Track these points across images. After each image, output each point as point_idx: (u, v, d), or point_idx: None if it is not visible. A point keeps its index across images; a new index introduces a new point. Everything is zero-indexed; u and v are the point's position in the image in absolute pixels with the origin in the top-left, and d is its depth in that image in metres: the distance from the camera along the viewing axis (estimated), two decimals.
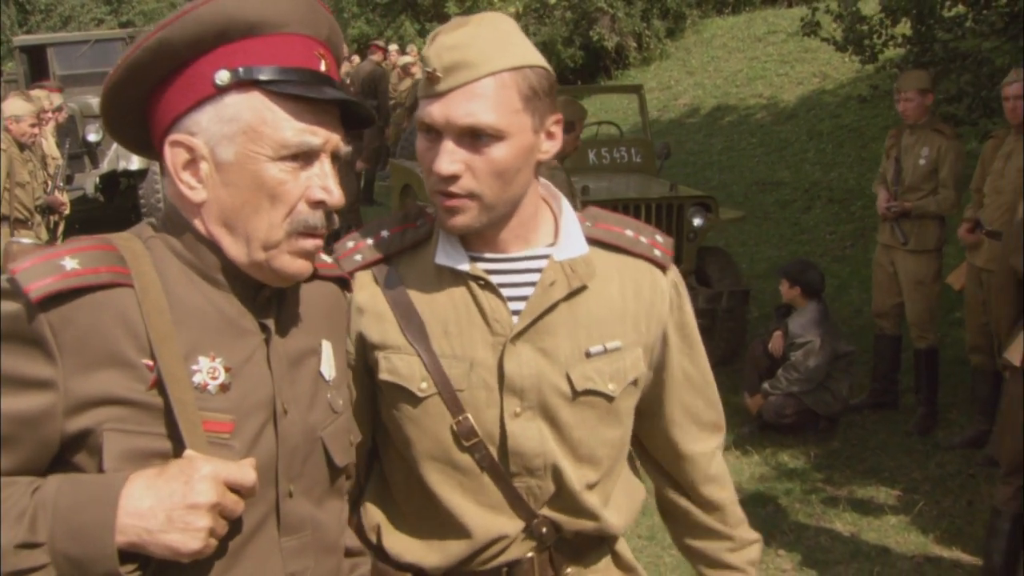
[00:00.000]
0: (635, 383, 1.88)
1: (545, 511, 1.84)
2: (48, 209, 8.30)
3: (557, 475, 1.81)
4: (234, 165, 1.47)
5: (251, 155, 1.47)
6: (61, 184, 9.00)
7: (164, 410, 1.42)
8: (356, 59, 18.74)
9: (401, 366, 1.79)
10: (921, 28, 7.26)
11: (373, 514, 1.93)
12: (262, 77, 1.46)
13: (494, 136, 1.66)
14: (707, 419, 2.04)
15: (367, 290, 1.84)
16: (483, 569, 1.85)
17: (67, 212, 9.02)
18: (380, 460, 1.95)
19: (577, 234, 1.84)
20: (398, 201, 9.54)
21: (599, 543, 1.95)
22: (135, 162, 12.26)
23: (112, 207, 13.43)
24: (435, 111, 1.66)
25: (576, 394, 1.80)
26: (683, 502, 2.08)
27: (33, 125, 7.69)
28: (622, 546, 2.01)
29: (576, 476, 1.83)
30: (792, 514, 5.17)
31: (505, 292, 1.79)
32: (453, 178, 1.68)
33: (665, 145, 8.47)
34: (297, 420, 1.58)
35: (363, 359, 1.85)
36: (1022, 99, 5.39)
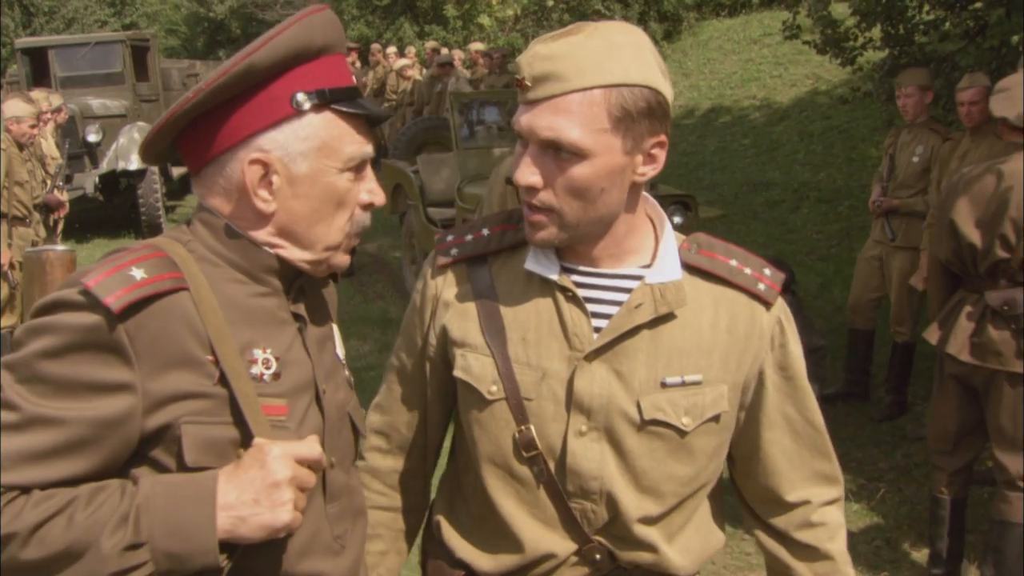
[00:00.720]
0: (716, 420, 1.79)
1: (599, 537, 1.81)
2: (47, 208, 8.49)
3: (613, 502, 1.77)
4: (307, 178, 1.60)
5: (324, 168, 1.60)
6: (60, 184, 9.20)
7: (229, 400, 1.53)
8: (357, 61, 18.94)
9: (475, 365, 1.80)
10: (891, 31, 7.43)
11: (439, 507, 1.97)
12: (334, 99, 1.60)
13: (576, 153, 1.63)
14: (813, 469, 1.91)
15: (457, 286, 1.86)
16: None
17: (67, 211, 9.22)
18: (455, 456, 1.98)
19: (673, 259, 1.78)
20: (390, 201, 9.71)
21: None
22: (134, 162, 12.44)
23: (111, 206, 13.63)
24: (522, 119, 1.66)
25: (644, 423, 1.75)
26: (780, 552, 1.95)
27: (33, 126, 7.87)
28: None
29: (634, 506, 1.78)
30: None
31: (591, 308, 1.76)
32: (532, 190, 1.68)
33: None
34: (331, 397, 1.72)
35: (443, 353, 1.88)
36: (977, 104, 5.57)
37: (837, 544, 1.93)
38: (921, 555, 4.63)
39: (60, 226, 9.11)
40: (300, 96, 1.57)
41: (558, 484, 1.77)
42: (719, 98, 16.49)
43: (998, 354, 4.02)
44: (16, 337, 1.50)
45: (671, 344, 1.75)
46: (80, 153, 12.25)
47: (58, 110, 10.46)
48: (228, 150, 1.58)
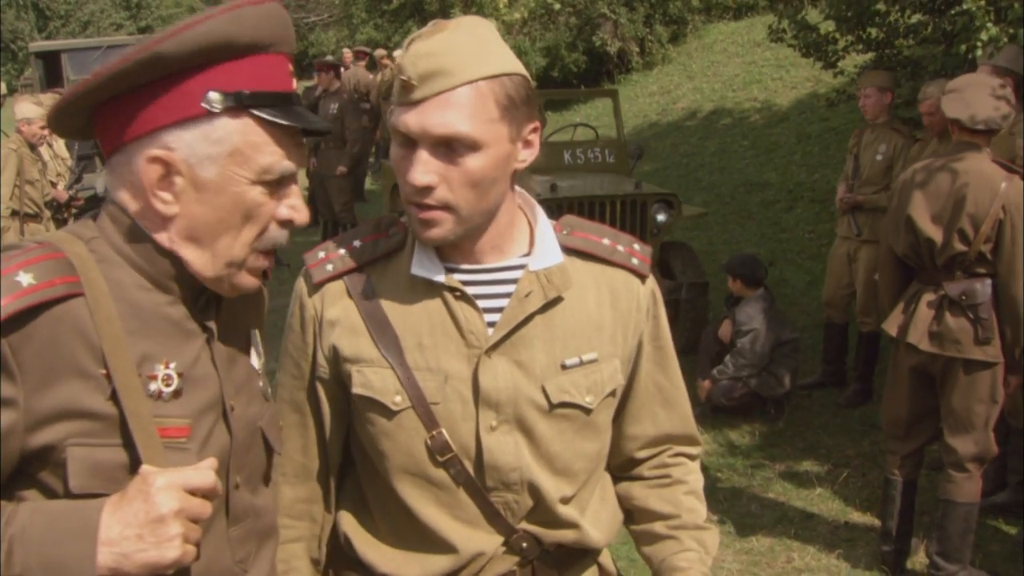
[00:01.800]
0: (613, 395, 1.85)
1: (524, 525, 1.81)
2: (58, 206, 8.81)
3: (534, 489, 1.78)
4: (213, 184, 1.47)
5: (234, 177, 1.48)
6: (69, 182, 9.53)
7: (120, 420, 1.42)
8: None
9: (375, 380, 1.76)
10: (863, 35, 7.67)
11: (347, 524, 1.90)
12: (254, 103, 1.47)
13: (470, 146, 1.62)
14: (677, 431, 2.00)
15: (339, 302, 1.80)
16: None
17: (81, 203, 9.56)
18: (354, 473, 1.93)
19: (552, 243, 1.80)
20: (388, 201, 9.99)
21: (582, 555, 1.92)
22: None
23: None
24: (410, 120, 1.62)
25: (552, 407, 1.76)
26: (633, 489, 2.02)
27: (43, 127, 8.18)
28: (606, 559, 2.00)
29: (553, 489, 1.80)
30: (729, 485, 5.60)
31: (480, 304, 1.75)
32: (427, 189, 1.64)
33: (638, 146, 8.88)
34: (241, 414, 1.61)
35: (336, 372, 1.82)
36: (936, 114, 5.79)
37: (693, 477, 2.00)
38: (877, 535, 4.86)
39: (70, 223, 9.42)
40: (213, 95, 1.44)
41: (476, 482, 1.77)
42: (721, 100, 16.70)
43: (956, 342, 4.24)
44: None
45: (564, 327, 1.78)
46: (91, 154, 12.54)
47: None
48: (133, 141, 1.46)
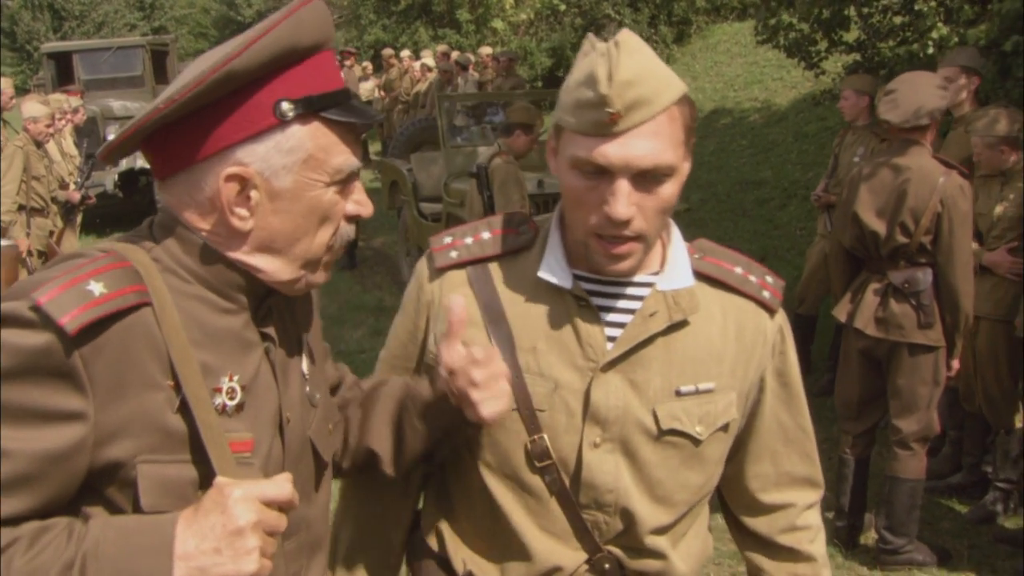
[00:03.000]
0: (725, 428, 1.78)
1: (610, 547, 1.77)
2: (68, 204, 9.11)
3: (627, 513, 1.74)
4: (289, 193, 1.45)
5: (309, 183, 1.46)
6: (80, 180, 9.84)
7: (188, 434, 1.39)
8: (369, 66, 19.49)
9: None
10: (835, 38, 7.90)
11: (431, 517, 1.89)
12: (322, 106, 1.45)
13: (667, 174, 1.59)
14: (798, 473, 1.92)
15: (459, 290, 1.77)
16: None
17: (93, 201, 9.88)
18: (442, 468, 1.89)
19: (684, 265, 1.75)
20: (387, 197, 10.25)
21: None
22: None
23: (131, 203, 14.20)
24: (611, 152, 1.55)
25: (661, 432, 1.71)
26: (760, 558, 1.96)
27: (48, 125, 8.49)
28: None
29: (648, 516, 1.75)
30: None
31: (605, 316, 1.72)
32: (626, 222, 1.59)
33: None
34: (295, 426, 1.58)
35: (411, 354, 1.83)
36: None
37: (818, 547, 1.95)
38: (833, 513, 5.09)
39: (79, 218, 9.72)
40: (285, 105, 1.41)
41: (571, 495, 1.73)
42: (722, 100, 16.88)
43: (900, 327, 4.50)
44: None
45: (684, 352, 1.72)
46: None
47: (75, 111, 11.09)
48: (203, 161, 1.42)
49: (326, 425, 1.70)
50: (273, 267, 1.49)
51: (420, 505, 2.00)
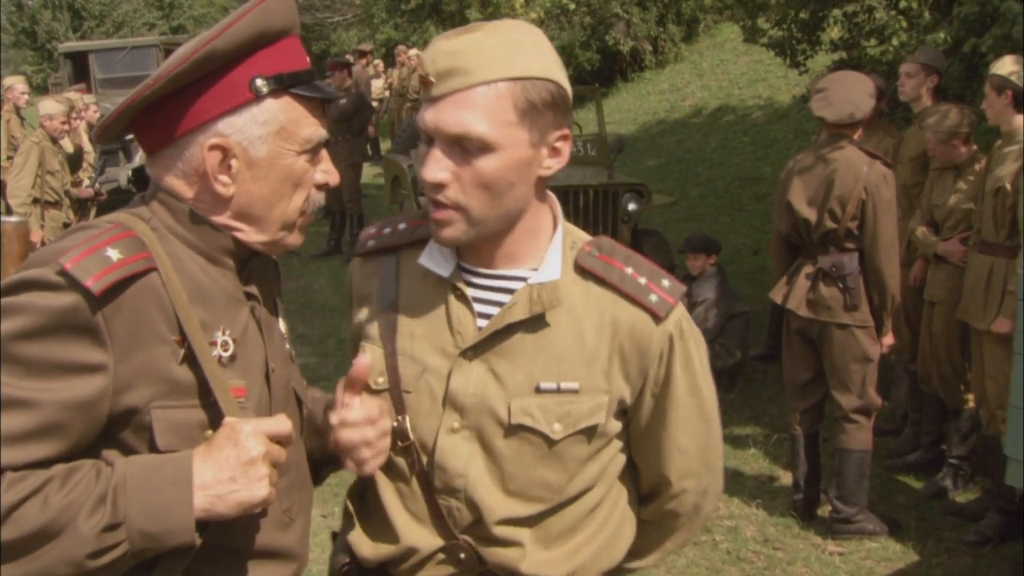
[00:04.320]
0: (589, 432, 1.74)
1: (466, 536, 1.78)
2: (79, 198, 9.50)
3: (477, 502, 1.75)
4: (265, 161, 1.61)
5: (282, 151, 1.61)
6: (94, 176, 10.23)
7: (195, 382, 1.55)
8: (380, 64, 19.81)
9: (370, 358, 1.76)
10: (814, 37, 8.19)
11: (351, 499, 1.94)
12: (292, 83, 1.62)
13: (483, 147, 1.60)
14: (658, 483, 1.88)
15: (368, 277, 1.86)
16: None
17: (104, 198, 10.27)
18: None
19: (556, 259, 1.75)
20: (389, 192, 10.60)
21: None
22: None
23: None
24: (427, 116, 1.63)
25: (511, 427, 1.72)
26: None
27: (63, 122, 8.87)
28: None
29: (499, 507, 1.75)
30: None
31: (480, 308, 1.75)
32: (440, 187, 1.63)
33: (619, 140, 9.44)
34: (279, 375, 1.74)
35: (355, 340, 1.89)
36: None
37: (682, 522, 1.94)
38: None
39: (93, 212, 10.11)
40: (259, 81, 1.58)
41: (428, 477, 1.77)
42: (727, 98, 17.11)
43: (828, 308, 4.82)
44: None
45: (552, 349, 1.72)
46: (115, 149, 13.21)
47: (86, 107, 11.46)
48: (187, 134, 1.58)
49: (302, 380, 1.89)
50: (251, 230, 1.65)
51: None
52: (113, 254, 1.48)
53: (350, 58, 15.86)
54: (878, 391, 4.95)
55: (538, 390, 1.72)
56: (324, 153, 1.71)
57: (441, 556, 1.79)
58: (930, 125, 5.33)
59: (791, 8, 7.71)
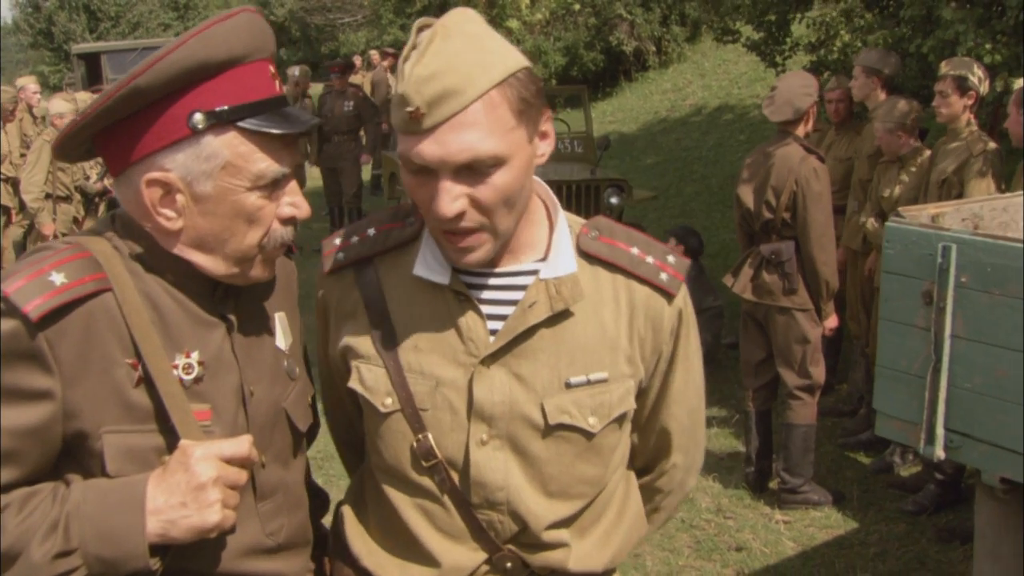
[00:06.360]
0: (621, 419, 1.71)
1: (510, 545, 1.71)
2: (85, 193, 9.92)
3: (522, 512, 1.67)
4: (213, 197, 1.53)
5: (230, 187, 1.53)
6: (101, 171, 10.65)
7: (153, 406, 1.51)
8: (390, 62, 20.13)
9: (368, 377, 1.69)
10: (781, 37, 8.53)
11: (345, 513, 1.86)
12: (236, 117, 1.51)
13: (495, 164, 1.50)
14: (688, 447, 1.87)
15: (347, 293, 1.74)
16: None
17: (113, 194, 10.67)
18: (366, 457, 1.85)
19: (567, 250, 1.67)
20: (388, 188, 10.97)
21: None
22: None
23: None
24: (425, 151, 1.49)
25: (549, 428, 1.64)
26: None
27: None
28: None
29: (544, 513, 1.69)
30: None
31: (486, 309, 1.65)
32: (458, 217, 1.53)
33: (605, 138, 9.81)
34: (263, 398, 1.68)
35: (343, 364, 1.76)
36: (842, 102, 6.66)
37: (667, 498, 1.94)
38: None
39: (102, 207, 10.53)
40: (197, 116, 1.49)
41: (463, 495, 1.67)
42: (727, 97, 17.34)
43: (770, 292, 5.20)
44: None
45: (574, 342, 1.65)
46: None
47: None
48: (132, 165, 1.53)
49: (305, 400, 1.81)
50: (207, 263, 1.59)
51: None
52: (57, 278, 1.46)
53: (357, 59, 16.23)
54: (834, 374, 5.30)
55: (568, 385, 1.65)
56: (292, 185, 1.62)
57: (485, 568, 1.73)
58: (879, 116, 5.70)
59: (758, 10, 8.04)
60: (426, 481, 1.69)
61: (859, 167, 6.33)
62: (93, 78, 15.89)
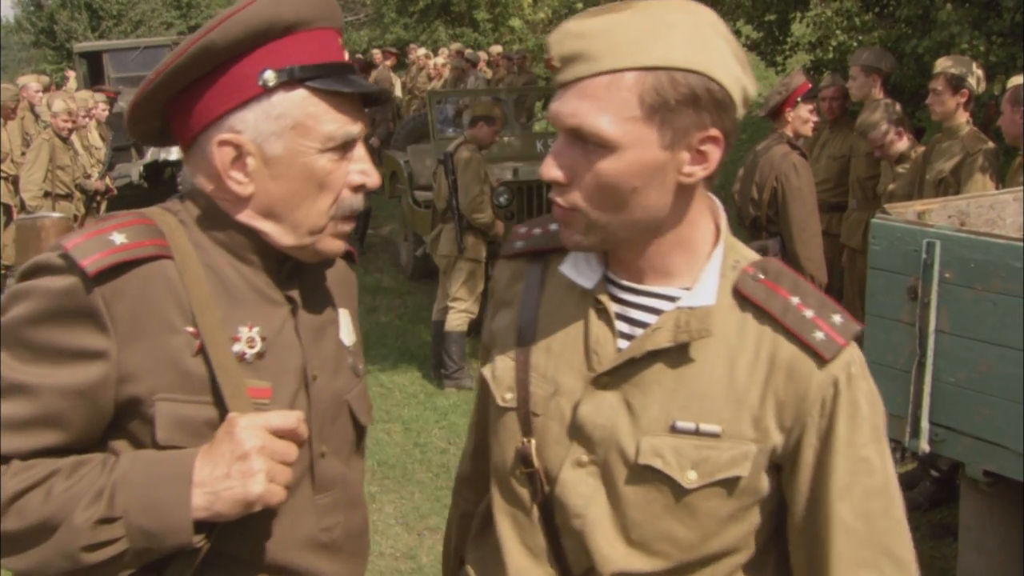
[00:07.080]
0: (730, 485, 1.48)
1: None
2: (86, 191, 9.96)
3: (592, 547, 1.53)
4: (283, 159, 1.52)
5: (300, 149, 1.52)
6: (103, 170, 10.71)
7: (208, 377, 1.48)
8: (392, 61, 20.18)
9: (499, 367, 1.64)
10: (780, 37, 8.53)
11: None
12: (306, 76, 1.51)
13: (601, 144, 1.40)
14: (868, 556, 1.49)
15: (513, 282, 1.70)
16: None
17: (115, 194, 10.74)
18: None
19: (712, 282, 1.51)
20: (388, 187, 10.99)
21: None
22: (174, 153, 13.58)
23: (156, 193, 14.92)
24: (553, 105, 1.45)
25: (637, 467, 1.49)
26: None
27: (67, 120, 9.36)
28: None
29: (617, 558, 1.52)
30: None
31: (622, 327, 1.53)
32: (558, 186, 1.46)
33: None
34: (325, 385, 1.63)
35: (487, 347, 1.73)
36: (836, 100, 6.69)
37: None
38: None
39: (103, 206, 10.57)
40: (268, 74, 1.49)
41: (550, 512, 1.57)
42: None
43: None
44: (3, 301, 1.47)
45: (695, 384, 1.49)
46: (127, 145, 13.59)
47: (96, 105, 11.89)
48: (203, 131, 1.53)
49: (367, 397, 1.77)
50: (276, 231, 1.56)
51: None
52: (118, 238, 1.45)
53: (360, 57, 16.27)
54: None
55: (673, 429, 1.48)
56: (361, 151, 1.60)
57: None
58: (857, 125, 5.75)
59: (758, 10, 8.04)
60: (521, 489, 1.60)
61: (856, 165, 6.36)
62: (95, 77, 15.95)
